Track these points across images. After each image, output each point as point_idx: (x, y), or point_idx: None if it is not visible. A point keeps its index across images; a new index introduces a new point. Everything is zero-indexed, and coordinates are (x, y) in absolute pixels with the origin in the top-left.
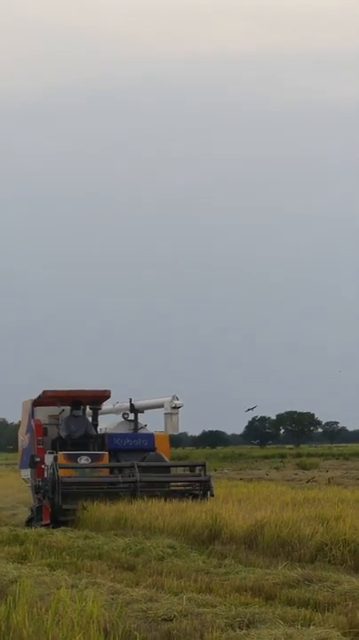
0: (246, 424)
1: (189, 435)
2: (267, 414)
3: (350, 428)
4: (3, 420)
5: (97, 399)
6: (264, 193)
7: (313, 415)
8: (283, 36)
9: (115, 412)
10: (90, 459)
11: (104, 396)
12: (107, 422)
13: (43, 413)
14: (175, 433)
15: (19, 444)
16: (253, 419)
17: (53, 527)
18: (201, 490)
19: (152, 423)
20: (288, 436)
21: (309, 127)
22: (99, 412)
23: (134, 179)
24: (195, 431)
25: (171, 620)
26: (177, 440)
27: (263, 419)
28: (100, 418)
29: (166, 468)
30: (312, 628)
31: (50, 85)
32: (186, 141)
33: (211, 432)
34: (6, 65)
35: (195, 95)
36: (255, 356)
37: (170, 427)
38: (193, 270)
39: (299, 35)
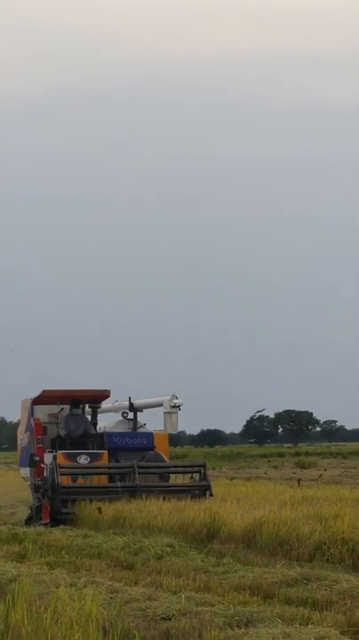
0: (245, 423)
1: (188, 433)
2: (265, 413)
3: (348, 427)
4: (2, 418)
5: (97, 399)
6: (264, 193)
7: (311, 414)
8: (283, 36)
9: (115, 410)
10: (89, 457)
11: (104, 395)
12: (107, 421)
13: (42, 412)
14: (174, 432)
15: (19, 443)
16: (252, 417)
17: (52, 526)
18: (200, 490)
19: (151, 422)
20: (286, 434)
21: (309, 127)
22: (99, 410)
23: (134, 179)
24: (193, 430)
25: (170, 619)
26: (175, 439)
27: (261, 417)
28: (99, 416)
29: (166, 469)
30: (310, 626)
31: (50, 85)
32: (186, 141)
33: (209, 431)
34: (6, 65)
35: (195, 95)
36: (254, 356)
37: (169, 426)
38: (193, 270)
39: (299, 35)
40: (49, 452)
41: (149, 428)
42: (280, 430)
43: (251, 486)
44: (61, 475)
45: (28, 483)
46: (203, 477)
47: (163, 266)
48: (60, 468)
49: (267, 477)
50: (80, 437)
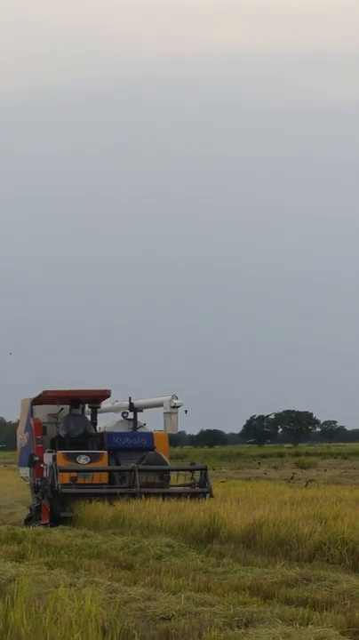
0: (244, 423)
1: (187, 434)
2: (265, 413)
3: (348, 428)
4: (2, 418)
5: (97, 399)
6: (264, 193)
7: (311, 414)
8: (283, 36)
9: (115, 410)
10: (89, 458)
11: (104, 395)
12: (106, 421)
13: (42, 412)
14: (174, 432)
15: (18, 443)
16: (251, 418)
17: (52, 526)
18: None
19: (151, 422)
20: (286, 435)
21: (309, 127)
22: (98, 410)
23: (134, 179)
24: (193, 430)
25: (170, 619)
26: (175, 439)
27: (261, 418)
28: (99, 416)
29: (166, 472)
30: (310, 627)
31: (50, 85)
32: (186, 141)
33: (209, 431)
34: (6, 65)
35: (195, 95)
36: (254, 356)
37: (169, 426)
38: (193, 270)
39: (299, 35)
40: (48, 452)
41: (149, 428)
42: (280, 431)
43: (250, 486)
44: (61, 477)
45: (28, 482)
46: (204, 481)
47: (163, 266)
48: (61, 470)
49: (267, 477)
50: (80, 437)
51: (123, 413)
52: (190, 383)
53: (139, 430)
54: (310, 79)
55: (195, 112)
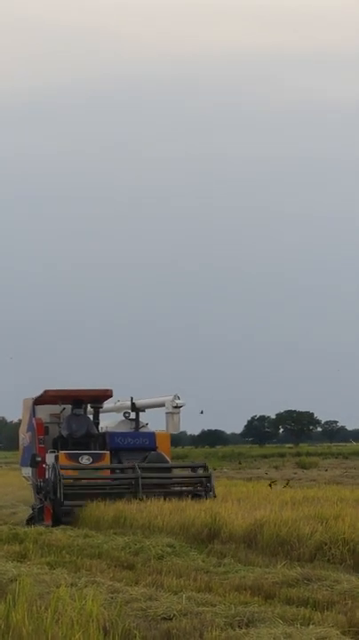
0: (245, 423)
1: (189, 434)
2: (266, 413)
3: (349, 428)
4: (3, 418)
5: (99, 399)
6: (264, 193)
7: (312, 414)
8: (283, 36)
9: (117, 410)
10: (91, 458)
11: (106, 395)
12: (108, 421)
13: (44, 412)
14: (176, 432)
15: (20, 442)
16: (252, 418)
17: (53, 526)
18: (203, 490)
19: (152, 422)
20: (287, 435)
21: (309, 127)
22: (100, 410)
23: (134, 179)
24: (194, 430)
25: (171, 619)
26: (176, 439)
27: (262, 418)
28: (101, 416)
29: (169, 470)
30: (311, 627)
31: (50, 85)
32: (186, 141)
33: (210, 431)
34: (6, 65)
35: (195, 95)
36: (254, 356)
37: (171, 426)
38: (193, 270)
39: (299, 35)
40: (51, 452)
41: (151, 428)
42: (281, 431)
43: (251, 486)
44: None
45: (30, 482)
46: (207, 483)
47: (163, 266)
48: (62, 469)
49: (268, 477)
50: (82, 437)
51: (124, 413)
52: (190, 383)
53: (142, 430)
54: (310, 79)
55: (195, 112)
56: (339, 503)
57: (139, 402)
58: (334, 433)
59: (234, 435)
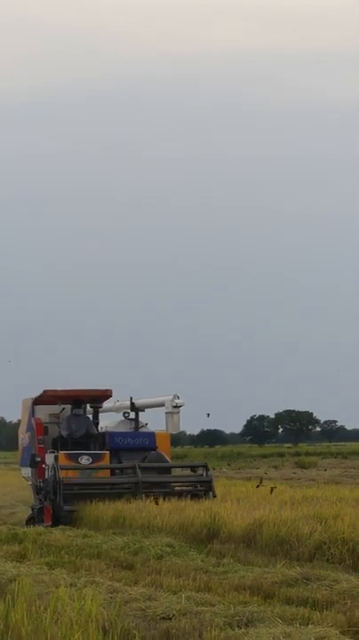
0: (245, 423)
1: (188, 434)
2: (265, 413)
3: (349, 427)
4: (2, 418)
5: (98, 399)
6: (264, 193)
7: (311, 414)
8: (283, 36)
9: (116, 410)
10: (91, 458)
11: (105, 395)
12: (108, 420)
13: (43, 412)
14: (176, 432)
15: (20, 443)
16: (252, 417)
17: (52, 526)
18: (203, 490)
19: (152, 422)
20: (286, 434)
21: (309, 127)
22: (100, 410)
23: (134, 179)
24: (193, 430)
25: (170, 619)
26: (176, 439)
27: (261, 417)
28: (101, 416)
29: (168, 470)
30: (310, 626)
31: (50, 85)
32: (186, 141)
33: (209, 431)
34: (6, 65)
35: (195, 95)
36: (254, 356)
37: (171, 426)
38: (193, 270)
39: (299, 35)
40: (50, 452)
41: (151, 427)
42: (280, 430)
43: (251, 486)
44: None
45: (29, 482)
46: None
47: (163, 266)
48: (62, 469)
49: (268, 477)
50: (82, 438)
51: (124, 413)
52: (190, 383)
53: (141, 430)
54: (310, 79)
55: (195, 112)
56: (338, 503)
57: (138, 402)
58: (333, 433)
59: (233, 434)
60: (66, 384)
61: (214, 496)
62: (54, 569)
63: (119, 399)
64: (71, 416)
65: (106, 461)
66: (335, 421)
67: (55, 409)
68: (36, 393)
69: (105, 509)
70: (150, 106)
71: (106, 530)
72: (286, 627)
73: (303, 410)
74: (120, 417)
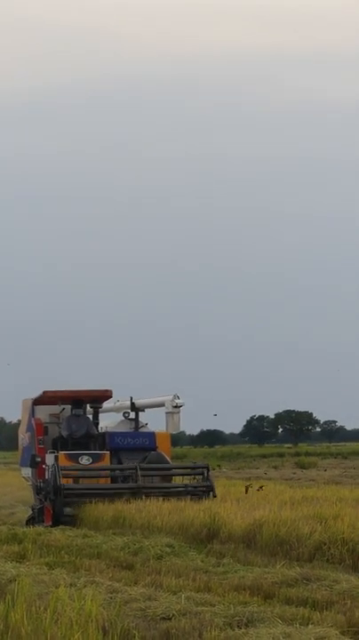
0: (244, 423)
1: (188, 434)
2: (265, 413)
3: (348, 427)
4: (2, 418)
5: (98, 399)
6: (264, 193)
7: (311, 414)
8: (283, 36)
9: (116, 410)
10: (91, 458)
11: (105, 395)
12: (108, 421)
13: (43, 412)
14: (176, 432)
15: (20, 443)
16: (252, 418)
17: (52, 526)
18: (203, 491)
19: (152, 422)
20: (286, 435)
21: (309, 127)
22: (100, 410)
23: (134, 179)
24: (193, 430)
25: (170, 619)
26: (175, 439)
27: (261, 418)
28: (101, 416)
29: (169, 471)
30: (310, 626)
31: (50, 85)
32: (186, 141)
33: (209, 431)
34: (6, 65)
35: (195, 95)
36: (254, 356)
37: (171, 426)
38: (193, 270)
39: (299, 35)
40: (50, 452)
41: (151, 427)
42: (280, 430)
43: (250, 486)
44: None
45: (29, 483)
46: (206, 479)
47: (163, 266)
48: (62, 470)
49: (267, 477)
50: (82, 438)
51: (124, 413)
52: (190, 383)
53: (141, 430)
54: (310, 79)
55: (195, 112)
56: (338, 503)
57: (138, 402)
58: (333, 433)
59: (232, 434)
60: (66, 384)
61: (214, 496)
62: (54, 569)
63: (119, 399)
64: (71, 416)
65: (106, 462)
66: (335, 421)
67: (55, 409)
68: (36, 393)
69: (105, 509)
70: (150, 106)
71: (106, 530)
72: (286, 627)
73: (303, 410)
74: (120, 417)
